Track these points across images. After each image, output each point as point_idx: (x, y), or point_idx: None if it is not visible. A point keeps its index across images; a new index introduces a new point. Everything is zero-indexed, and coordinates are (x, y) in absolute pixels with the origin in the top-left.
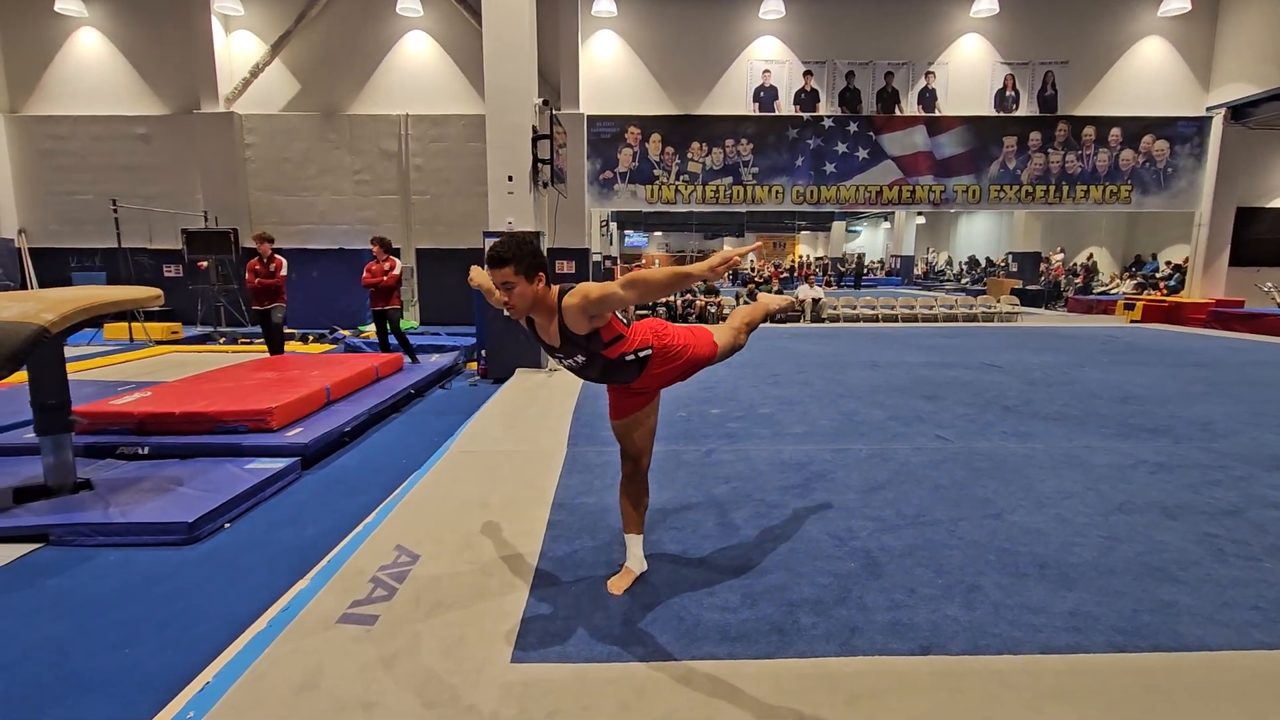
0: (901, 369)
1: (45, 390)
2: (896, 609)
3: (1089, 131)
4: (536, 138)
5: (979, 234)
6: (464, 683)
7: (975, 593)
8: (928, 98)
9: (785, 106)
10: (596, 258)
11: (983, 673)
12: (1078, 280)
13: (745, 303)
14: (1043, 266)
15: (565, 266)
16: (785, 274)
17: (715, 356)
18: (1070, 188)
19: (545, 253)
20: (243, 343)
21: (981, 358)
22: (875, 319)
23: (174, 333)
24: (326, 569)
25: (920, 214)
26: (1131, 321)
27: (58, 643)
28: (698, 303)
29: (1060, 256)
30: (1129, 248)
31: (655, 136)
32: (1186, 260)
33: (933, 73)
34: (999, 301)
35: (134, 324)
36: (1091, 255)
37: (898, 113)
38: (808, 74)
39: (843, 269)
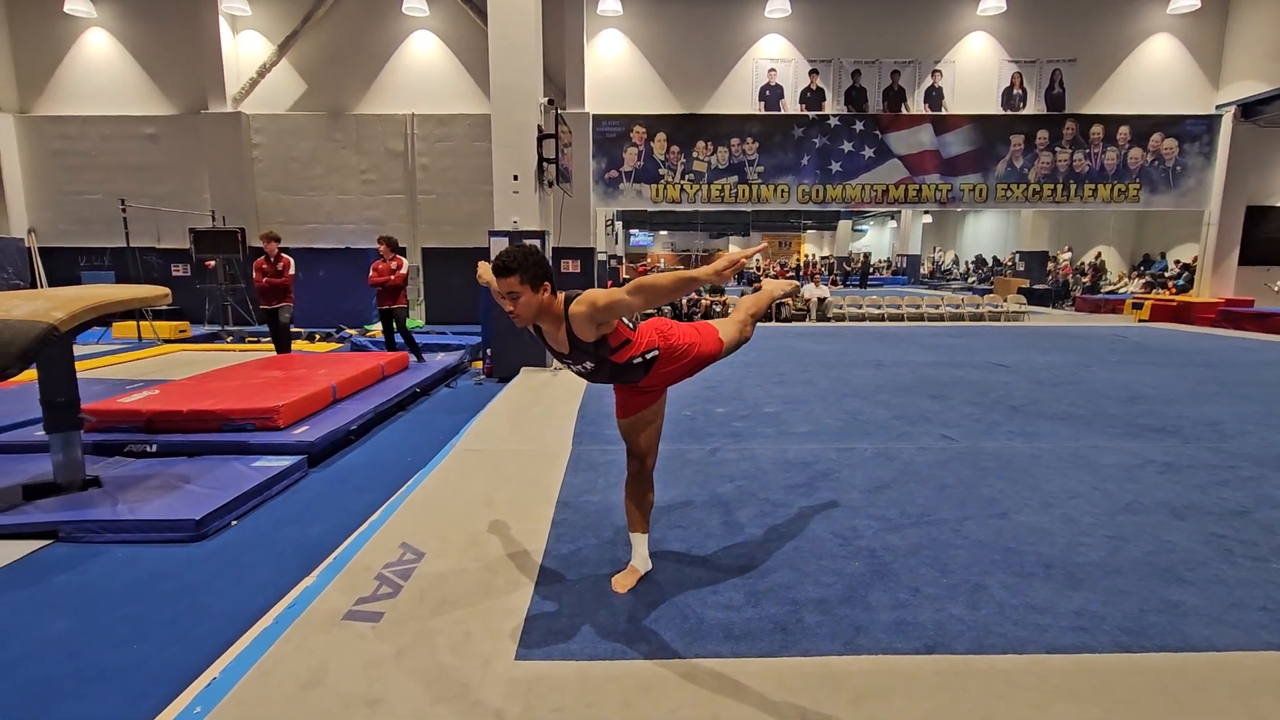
0: (907, 368)
1: (54, 388)
2: (901, 608)
3: (1097, 130)
4: (542, 137)
5: (986, 233)
6: (469, 679)
7: (980, 592)
8: (934, 96)
9: (791, 105)
10: (602, 257)
11: (988, 672)
12: (1085, 279)
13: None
14: (1050, 266)
15: (571, 266)
16: (791, 273)
17: (721, 352)
18: (1078, 186)
19: (551, 252)
20: (250, 341)
21: (988, 357)
22: (881, 318)
23: (182, 331)
24: (332, 566)
25: (927, 213)
26: (1140, 321)
27: (67, 638)
28: (703, 302)
29: (1068, 255)
30: (1137, 247)
31: (660, 135)
32: (1195, 259)
33: (939, 71)
34: (1006, 301)
35: (142, 323)
36: (1099, 254)
37: (904, 111)
38: (813, 72)
39: (849, 268)
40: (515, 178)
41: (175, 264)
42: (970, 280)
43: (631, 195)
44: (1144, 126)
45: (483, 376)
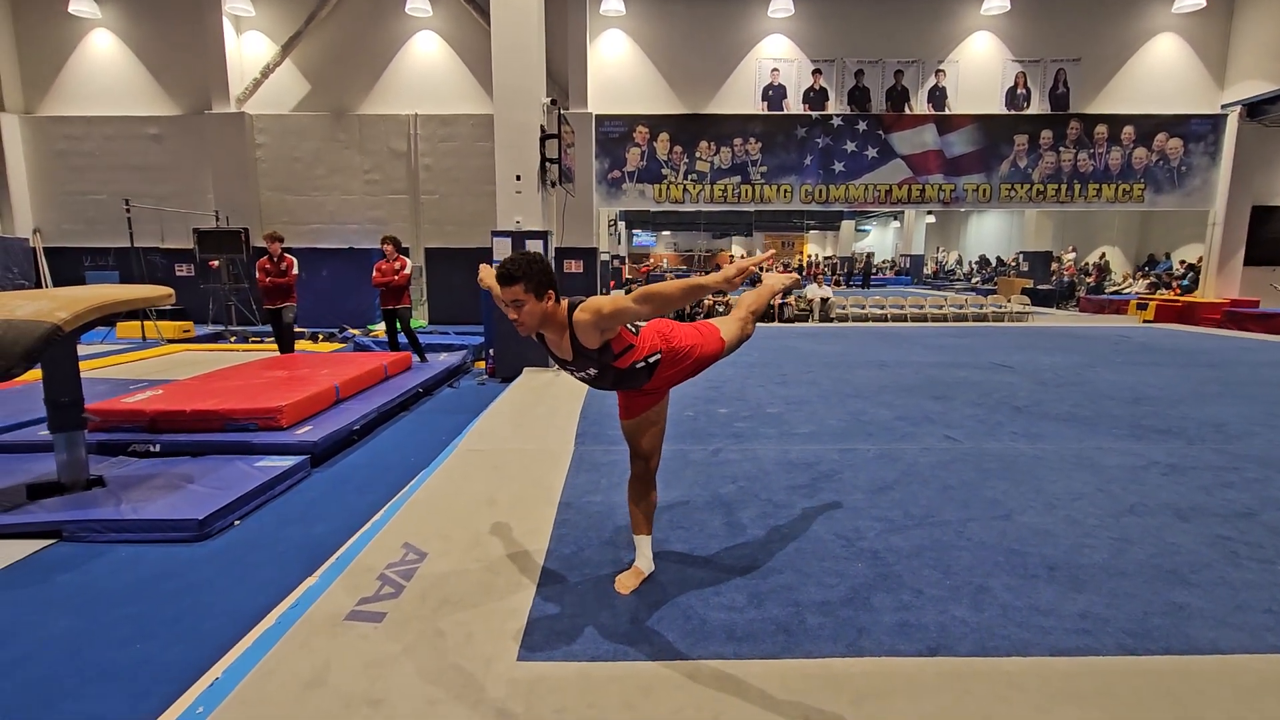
0: (910, 369)
1: (58, 388)
2: (904, 610)
3: (1101, 129)
4: (544, 137)
5: (989, 233)
6: (471, 680)
7: (984, 594)
8: (938, 96)
9: (794, 105)
10: (605, 257)
11: (991, 674)
12: (1090, 280)
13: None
14: (1054, 266)
15: (574, 266)
16: (798, 279)
17: (723, 351)
18: (1082, 186)
19: (554, 252)
20: (253, 341)
21: (991, 358)
22: (884, 319)
23: (185, 331)
24: (335, 566)
25: (930, 213)
26: (1144, 321)
27: (70, 637)
28: (706, 303)
29: (1072, 256)
30: (1142, 247)
31: (663, 135)
32: (1200, 259)
33: (943, 71)
34: (1010, 301)
35: (146, 323)
36: (1104, 254)
37: (907, 111)
38: (816, 72)
39: (853, 268)
40: (518, 178)
41: (179, 264)
42: (974, 280)
43: (634, 195)
44: (1148, 126)
45: (485, 377)
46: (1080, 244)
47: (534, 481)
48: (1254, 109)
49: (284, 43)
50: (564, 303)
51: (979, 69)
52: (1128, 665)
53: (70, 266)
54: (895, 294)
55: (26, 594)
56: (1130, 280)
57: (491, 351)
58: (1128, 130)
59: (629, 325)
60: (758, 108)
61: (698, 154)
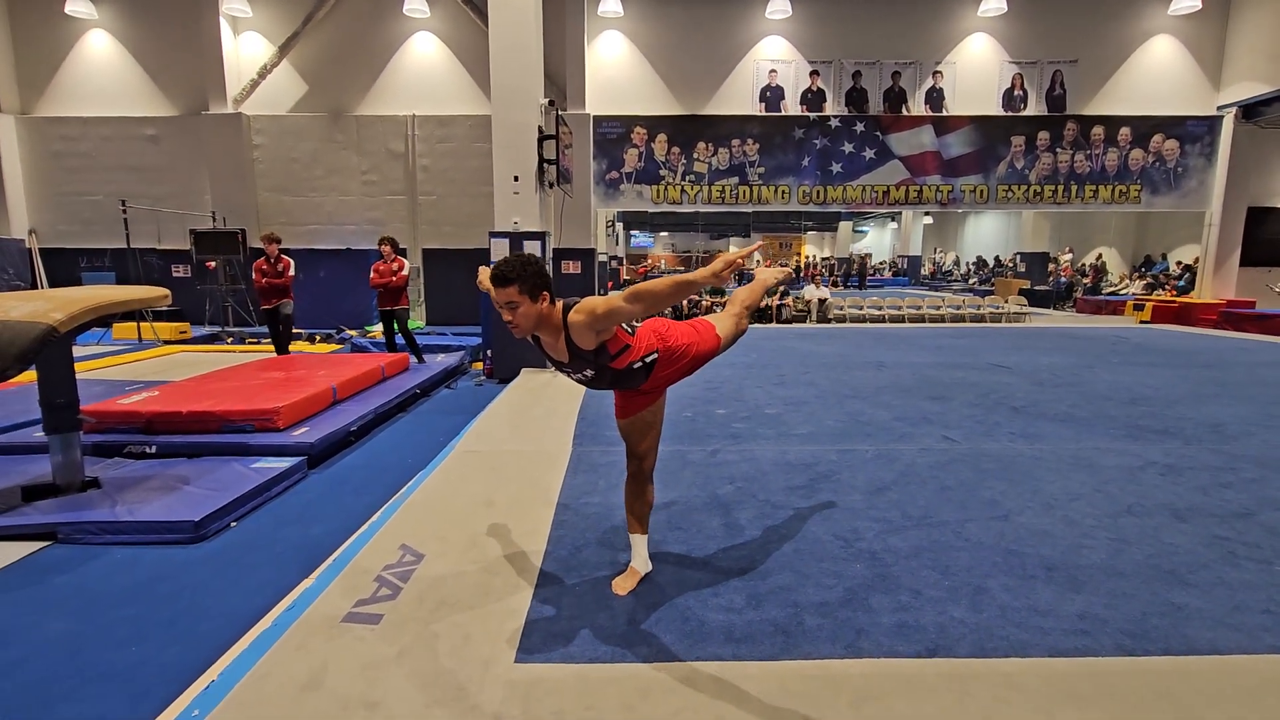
0: (908, 370)
1: (54, 389)
2: (902, 611)
3: (1098, 131)
4: (542, 138)
5: (987, 234)
6: (468, 682)
7: (982, 595)
8: (935, 97)
9: (792, 106)
10: (603, 258)
11: (990, 675)
12: (1086, 280)
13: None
14: (1051, 267)
15: (571, 267)
16: (792, 275)
17: (719, 348)
18: (1079, 187)
19: (551, 253)
20: (250, 342)
21: (989, 358)
22: (882, 319)
23: (182, 332)
24: (332, 568)
25: (927, 214)
26: (1141, 322)
27: (65, 639)
28: (703, 303)
29: (1069, 257)
30: (1138, 248)
31: (661, 137)
32: (1197, 260)
33: (940, 72)
34: (1007, 302)
35: (142, 324)
36: (1100, 255)
37: (905, 112)
38: (814, 74)
39: (851, 269)
40: (516, 179)
41: (176, 265)
42: (971, 281)
43: (632, 196)
44: (1145, 127)
45: (483, 378)
46: (1077, 245)
47: (531, 483)
48: (1249, 110)
49: (281, 43)
50: (559, 304)
51: (976, 70)
52: (1127, 666)
53: (66, 267)
54: (893, 295)
55: (21, 596)
56: (1127, 281)
57: (489, 352)
58: (1124, 131)
59: (625, 325)
60: (755, 109)
61: (695, 155)
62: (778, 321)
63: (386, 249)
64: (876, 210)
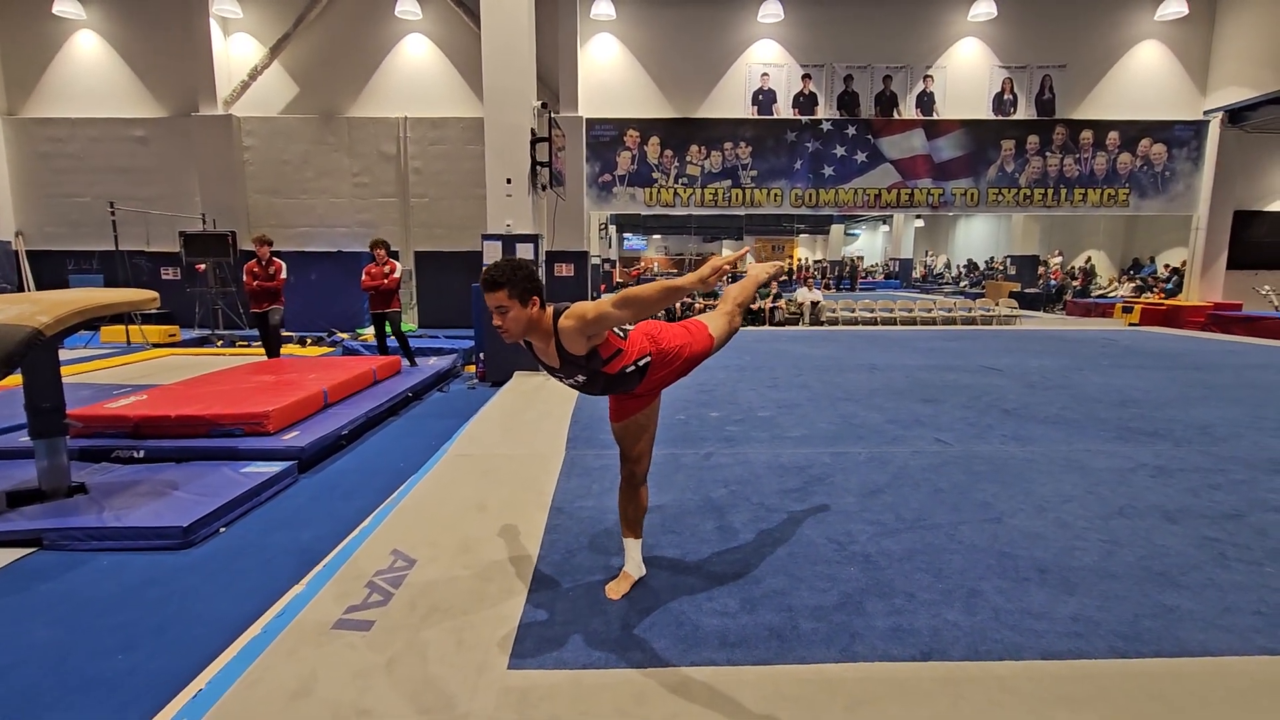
0: (900, 372)
1: (40, 393)
2: (897, 614)
3: (1087, 135)
4: (535, 140)
5: (977, 237)
6: (460, 689)
7: (976, 597)
8: (926, 101)
9: (784, 109)
10: (595, 261)
11: (984, 679)
12: (1076, 283)
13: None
14: (1041, 270)
15: (564, 269)
16: (784, 277)
17: (713, 348)
18: (1068, 191)
19: (544, 256)
20: (240, 346)
21: (980, 361)
22: (874, 322)
23: (171, 335)
24: (322, 573)
25: (919, 217)
26: (1130, 325)
27: (51, 648)
28: (696, 305)
29: (1058, 260)
30: (1127, 251)
31: (654, 139)
32: (1184, 263)
33: (931, 76)
34: (997, 305)
35: (131, 327)
36: (1089, 258)
37: (896, 116)
38: (806, 77)
39: (843, 272)
40: (508, 181)
41: (165, 267)
42: (962, 284)
43: (625, 199)
44: (1133, 132)
45: (475, 381)
46: (1066, 248)
47: (525, 486)
48: (1235, 115)
49: (272, 45)
50: (549, 309)
51: (967, 75)
52: (1120, 668)
53: (54, 270)
54: (885, 297)
55: (6, 604)
56: (1116, 284)
57: (482, 355)
58: (1112, 136)
59: (616, 330)
60: (748, 112)
61: (688, 158)
62: (770, 324)
63: (379, 252)
64: (868, 213)
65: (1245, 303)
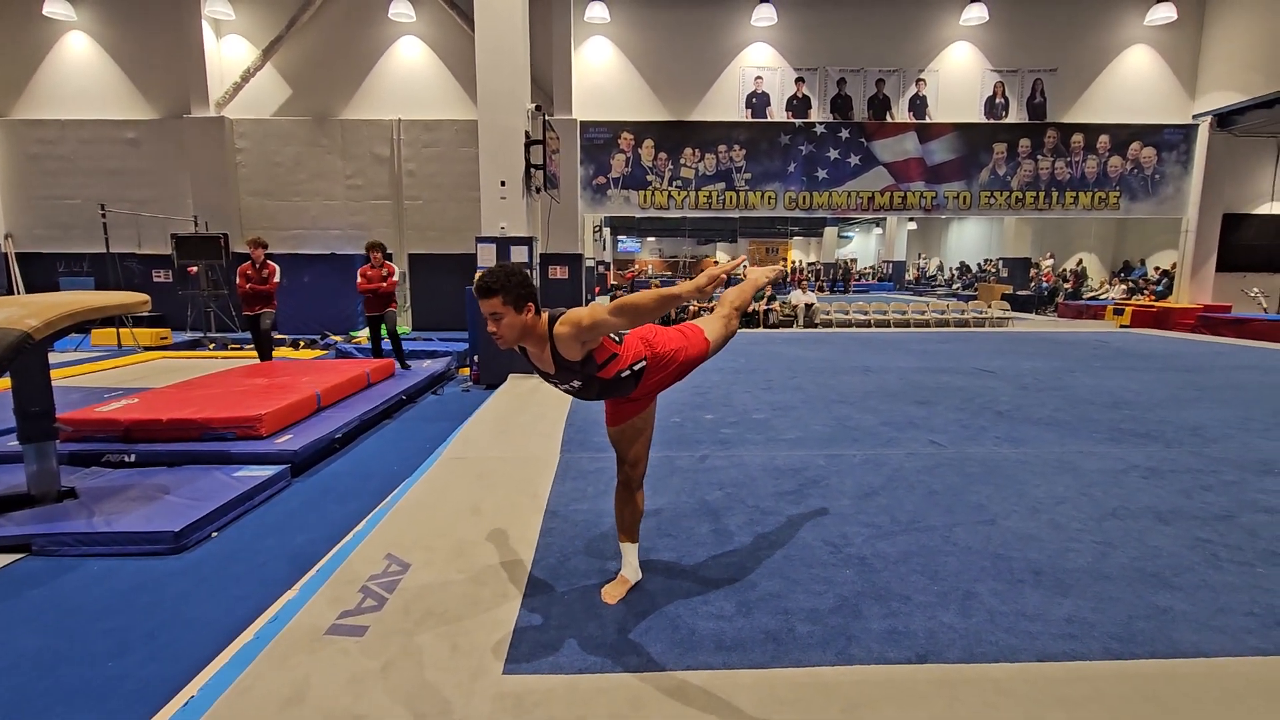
0: (894, 374)
1: (29, 397)
2: (892, 616)
3: (1078, 138)
4: (529, 143)
5: (970, 240)
6: (455, 694)
7: (971, 599)
8: (918, 105)
9: (777, 113)
10: (590, 263)
11: (979, 681)
12: (1068, 286)
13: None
14: (1033, 272)
15: (559, 272)
16: (780, 280)
17: (709, 352)
18: (1060, 194)
19: (539, 258)
20: (233, 348)
21: (973, 363)
22: (868, 324)
23: (163, 338)
24: (316, 578)
25: (912, 220)
26: (1121, 327)
27: (40, 655)
28: (691, 309)
29: (1050, 262)
30: (1118, 253)
31: (648, 142)
32: (1174, 266)
33: (923, 80)
34: (990, 307)
35: (122, 330)
36: (1081, 261)
37: (889, 119)
38: (799, 80)
39: (837, 274)
40: (503, 183)
41: (157, 270)
42: (955, 287)
43: (619, 202)
44: (1123, 135)
45: (470, 383)
46: (1058, 250)
47: (519, 490)
48: (1224, 119)
49: (265, 47)
50: (544, 315)
51: (958, 78)
52: (1114, 670)
53: (44, 273)
54: (878, 300)
55: None
56: (1107, 286)
57: (476, 358)
58: (1103, 139)
59: (611, 335)
60: (742, 115)
61: (682, 160)
62: (765, 326)
63: (375, 254)
64: (861, 216)
65: (1234, 305)
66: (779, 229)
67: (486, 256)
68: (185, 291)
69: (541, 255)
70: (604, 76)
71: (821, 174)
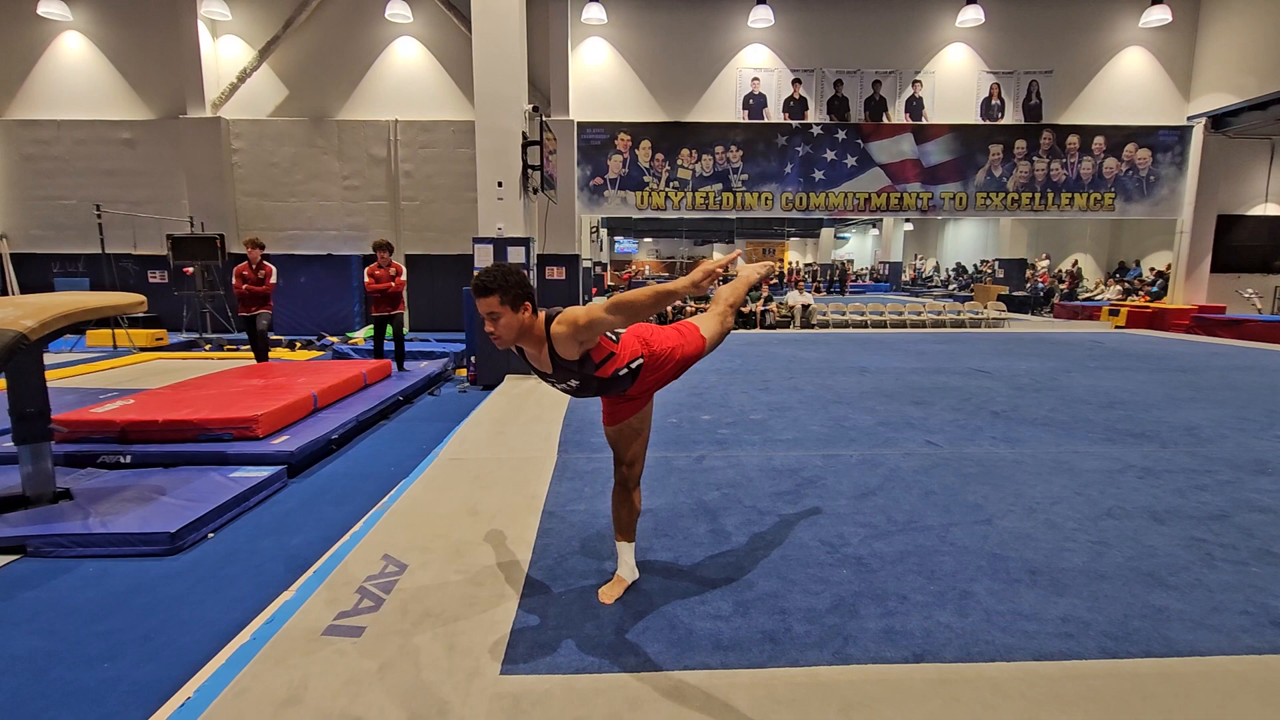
0: (891, 375)
1: (24, 398)
2: (889, 616)
3: (1073, 140)
4: (526, 144)
5: (966, 241)
6: (452, 695)
7: (967, 599)
8: (915, 106)
9: (774, 114)
10: (587, 264)
11: (976, 680)
12: (1063, 286)
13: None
14: (1029, 273)
15: (556, 273)
16: (775, 280)
17: (705, 350)
18: (1055, 195)
19: (536, 259)
20: (228, 349)
21: (969, 363)
22: (864, 325)
23: (158, 339)
24: (312, 579)
25: (908, 221)
26: (1116, 327)
27: (36, 657)
28: (688, 309)
29: (1046, 263)
30: (1113, 254)
31: (645, 143)
32: (1169, 267)
33: (920, 81)
34: (986, 308)
35: (117, 330)
36: (1076, 262)
37: (885, 121)
38: (796, 82)
39: (833, 276)
40: (500, 184)
41: (152, 270)
42: (951, 287)
43: (616, 202)
44: (1118, 137)
45: (467, 384)
46: (1054, 251)
47: (516, 490)
48: (1218, 121)
49: (261, 47)
50: (541, 315)
51: (955, 80)
52: (1110, 668)
53: (39, 273)
54: (875, 300)
55: None
56: (1102, 287)
57: (473, 359)
58: (1098, 141)
59: (608, 333)
60: (739, 116)
61: (679, 161)
62: (761, 327)
63: (382, 254)
64: (858, 217)
65: (1229, 305)
66: (776, 230)
67: (483, 257)
68: (181, 292)
69: (539, 256)
70: (601, 77)
71: (818, 175)
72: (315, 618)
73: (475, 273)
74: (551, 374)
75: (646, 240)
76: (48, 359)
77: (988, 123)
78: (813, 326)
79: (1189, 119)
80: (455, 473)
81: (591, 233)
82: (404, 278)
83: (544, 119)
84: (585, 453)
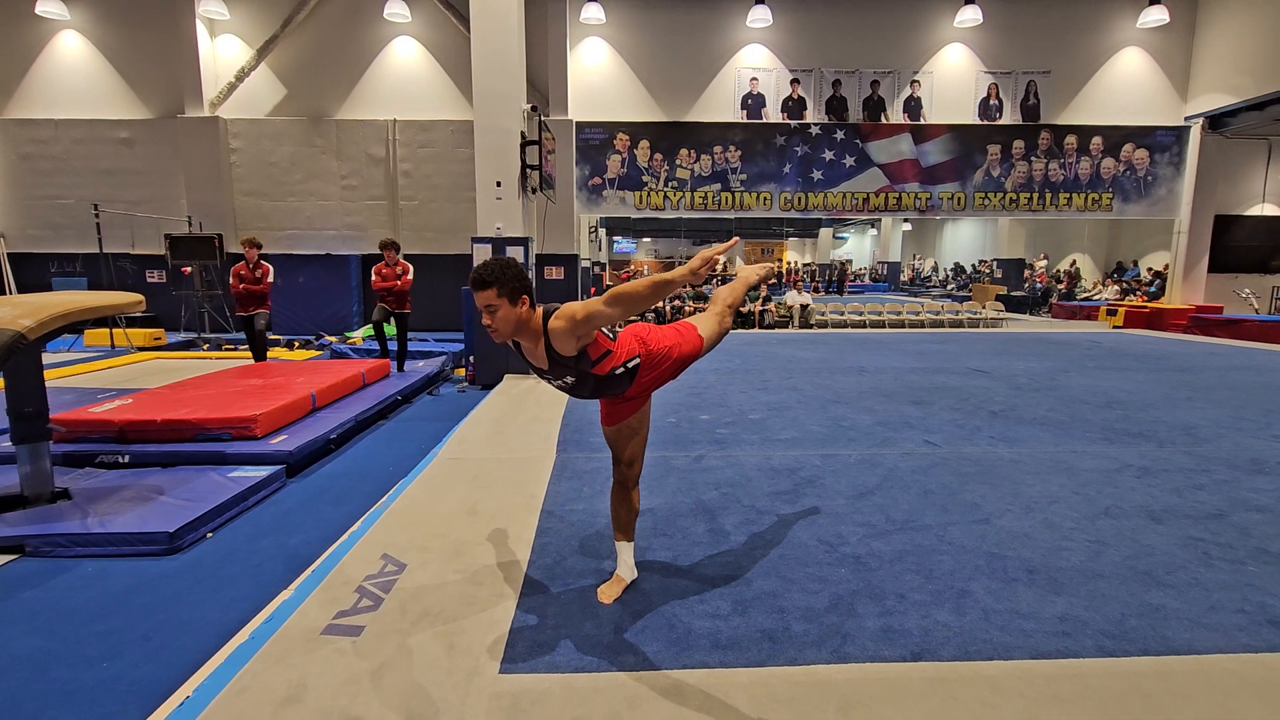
0: (889, 374)
1: (22, 398)
2: (887, 615)
3: (1071, 140)
4: (525, 143)
5: (964, 241)
6: (451, 694)
7: (965, 598)
8: (913, 106)
9: (773, 114)
10: (585, 264)
11: (974, 679)
12: (1061, 286)
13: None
14: (1027, 273)
15: (554, 272)
16: (774, 280)
17: (702, 349)
18: (1053, 195)
19: (534, 259)
20: (227, 349)
21: (968, 363)
22: (863, 325)
23: (156, 339)
24: (311, 579)
25: (906, 221)
26: (1114, 327)
27: (34, 657)
28: (686, 308)
29: (1044, 263)
30: (1111, 254)
31: (644, 143)
32: (1167, 267)
33: (918, 81)
34: (984, 308)
35: (115, 330)
36: (1074, 262)
37: (884, 121)
38: (795, 82)
39: (832, 275)
40: (498, 184)
41: (150, 270)
42: (949, 287)
43: (615, 202)
44: (1116, 137)
45: (466, 384)
46: (1052, 251)
47: (515, 490)
48: (1216, 121)
49: (259, 46)
50: (539, 310)
51: (953, 80)
52: (1107, 667)
53: (36, 273)
54: (873, 300)
55: None
56: (1100, 287)
57: (472, 358)
58: (1096, 141)
59: (606, 331)
60: (737, 116)
61: (678, 161)
62: (760, 327)
63: (389, 253)
64: (856, 217)
65: (1226, 305)
66: (774, 230)
67: (482, 257)
68: (179, 292)
69: (537, 256)
70: (600, 77)
71: (817, 175)
72: (314, 617)
73: (474, 267)
74: (547, 370)
75: (645, 240)
76: (46, 358)
77: (986, 123)
78: (811, 326)
79: (1186, 119)
80: (454, 472)
81: (590, 232)
82: (410, 276)
83: (542, 119)
84: (584, 452)
